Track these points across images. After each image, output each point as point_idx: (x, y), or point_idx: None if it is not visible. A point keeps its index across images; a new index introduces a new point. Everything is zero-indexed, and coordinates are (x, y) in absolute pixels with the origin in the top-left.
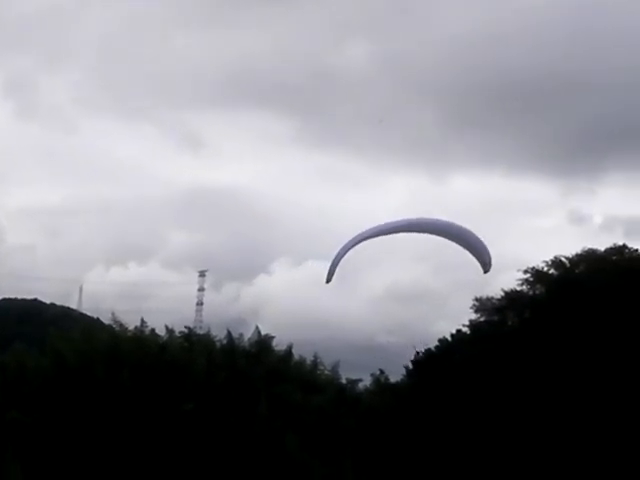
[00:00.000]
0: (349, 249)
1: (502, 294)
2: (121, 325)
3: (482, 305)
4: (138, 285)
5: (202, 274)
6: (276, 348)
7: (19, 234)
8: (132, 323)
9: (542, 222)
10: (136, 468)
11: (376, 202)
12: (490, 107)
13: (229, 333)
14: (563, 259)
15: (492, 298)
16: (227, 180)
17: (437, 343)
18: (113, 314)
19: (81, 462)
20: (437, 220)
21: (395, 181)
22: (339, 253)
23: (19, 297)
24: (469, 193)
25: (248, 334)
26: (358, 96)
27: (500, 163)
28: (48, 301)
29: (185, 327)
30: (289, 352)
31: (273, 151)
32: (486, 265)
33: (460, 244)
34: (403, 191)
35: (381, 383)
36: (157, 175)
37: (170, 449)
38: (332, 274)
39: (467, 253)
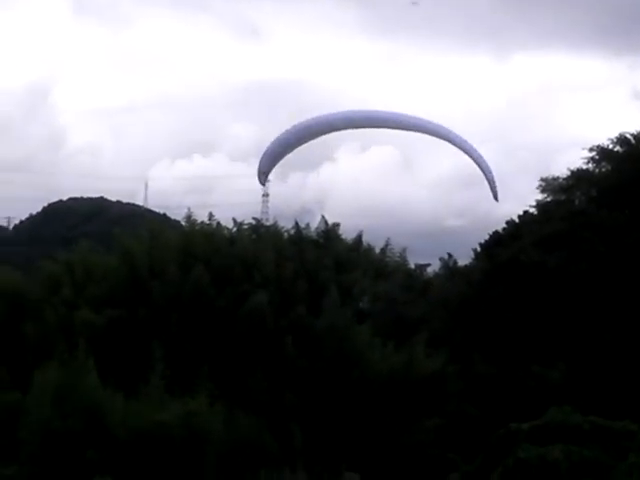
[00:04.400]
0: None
1: (568, 173)
2: (190, 220)
3: (548, 185)
4: (203, 179)
5: None
6: (343, 236)
7: (82, 134)
8: (199, 217)
9: (606, 99)
10: (208, 366)
11: (440, 84)
12: None
13: (296, 224)
14: (628, 136)
15: (558, 178)
16: (289, 71)
17: (504, 225)
18: (189, 209)
19: (153, 361)
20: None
21: (456, 63)
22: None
23: (85, 196)
24: (531, 71)
25: (315, 224)
26: None
27: (562, 40)
28: (114, 199)
29: (253, 219)
30: (359, 240)
31: (334, 40)
32: (495, 196)
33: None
34: (465, 73)
35: (450, 267)
36: (217, 68)
37: (244, 343)
38: (266, 175)
39: (530, 134)
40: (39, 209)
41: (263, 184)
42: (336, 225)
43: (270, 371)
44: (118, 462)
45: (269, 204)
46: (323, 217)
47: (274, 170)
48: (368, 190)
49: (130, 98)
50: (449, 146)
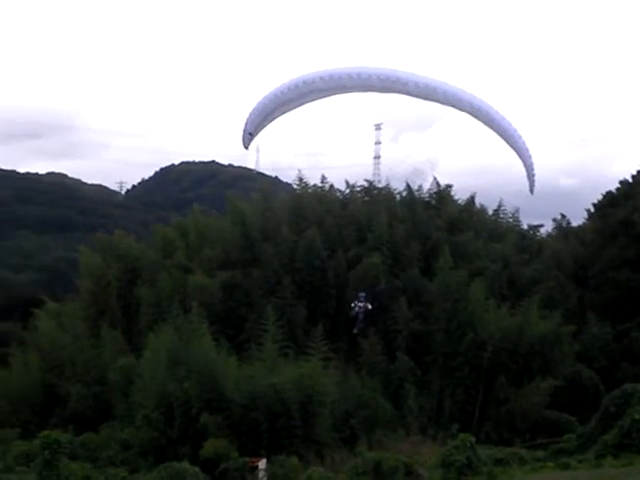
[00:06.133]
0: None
1: None
2: (302, 183)
3: None
4: (313, 141)
5: (378, 127)
6: (455, 197)
7: (195, 98)
8: (310, 180)
9: None
10: (322, 328)
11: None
12: None
13: (408, 186)
14: None
15: None
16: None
17: (618, 185)
18: (299, 171)
19: (266, 324)
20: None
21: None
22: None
23: (197, 160)
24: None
25: (427, 185)
26: None
27: None
28: (226, 163)
29: (365, 181)
30: (471, 201)
31: None
32: (531, 188)
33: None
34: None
35: (563, 228)
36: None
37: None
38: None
39: None
40: (151, 173)
41: (247, 147)
42: (448, 187)
43: (384, 333)
44: (232, 425)
45: (381, 166)
46: (435, 179)
47: (386, 132)
48: (479, 150)
49: (239, 62)
50: (561, 106)
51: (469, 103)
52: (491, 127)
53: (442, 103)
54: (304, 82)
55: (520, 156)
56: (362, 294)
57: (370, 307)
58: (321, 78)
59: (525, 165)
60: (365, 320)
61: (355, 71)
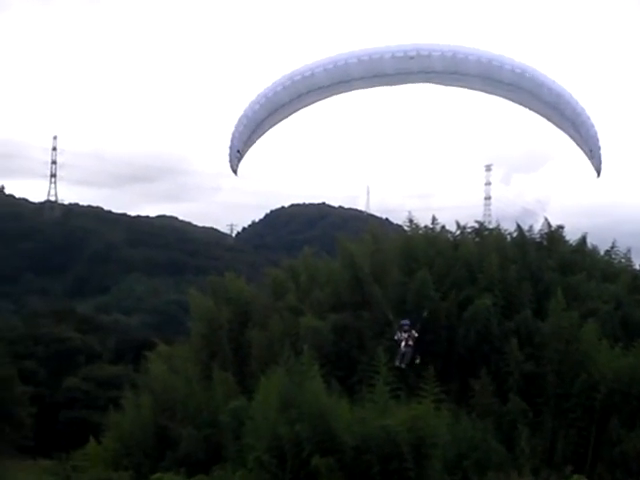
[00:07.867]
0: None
1: None
2: (412, 224)
3: None
4: (423, 183)
5: (488, 168)
6: (566, 237)
7: (305, 141)
8: (421, 221)
9: None
10: (434, 369)
11: None
12: None
13: (519, 226)
14: None
15: None
16: None
17: None
18: (409, 212)
19: (378, 366)
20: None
21: None
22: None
23: (307, 202)
24: None
25: (537, 225)
26: None
27: None
28: (336, 204)
29: (475, 222)
30: (583, 242)
31: None
32: (598, 170)
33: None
34: None
35: None
36: None
37: (468, 346)
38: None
39: None
40: (261, 216)
41: (235, 170)
42: (560, 227)
43: (495, 374)
44: (344, 467)
45: (491, 206)
46: (546, 219)
47: (496, 172)
48: (590, 189)
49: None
50: None
51: (511, 68)
52: (540, 96)
53: (473, 80)
54: (302, 77)
55: (580, 125)
56: (405, 322)
57: (417, 335)
58: (324, 69)
59: (588, 137)
60: (415, 349)
61: (364, 54)
